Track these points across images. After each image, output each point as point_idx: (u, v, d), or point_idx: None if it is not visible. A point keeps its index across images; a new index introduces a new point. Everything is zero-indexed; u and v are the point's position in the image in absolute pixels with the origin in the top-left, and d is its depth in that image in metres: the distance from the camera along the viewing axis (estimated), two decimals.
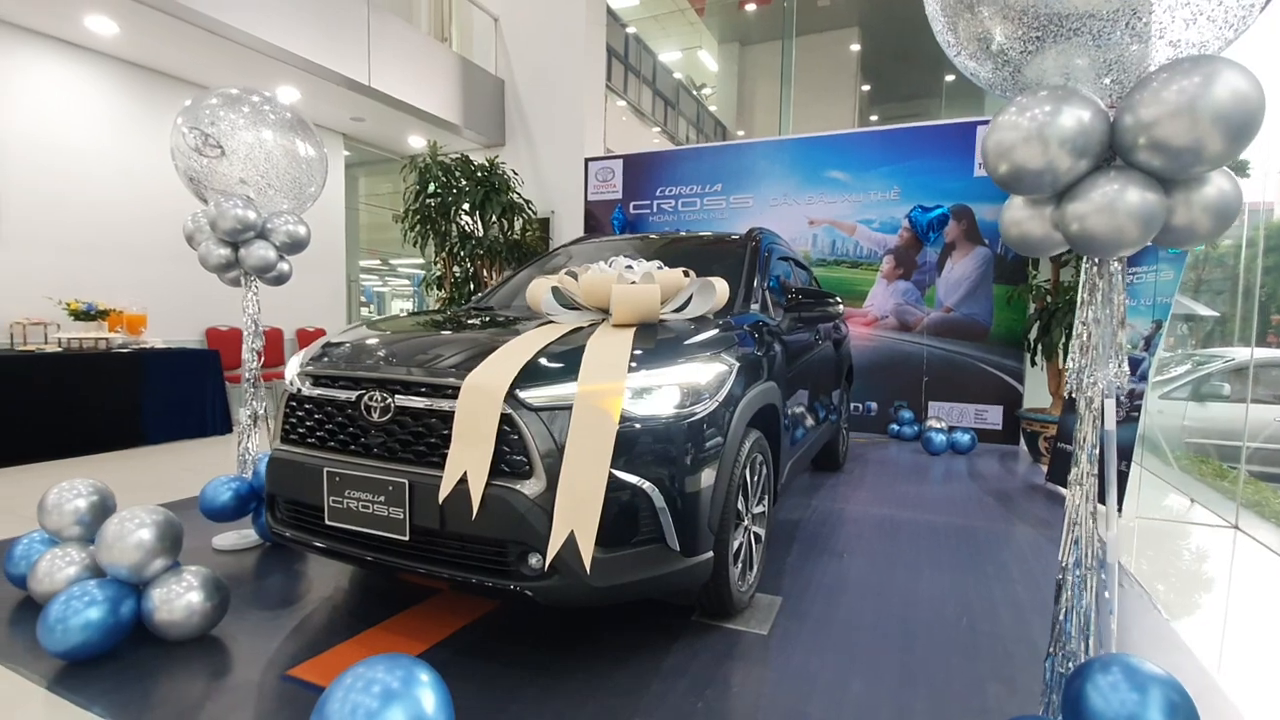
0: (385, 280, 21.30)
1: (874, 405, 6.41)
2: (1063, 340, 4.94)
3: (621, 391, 1.77)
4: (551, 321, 2.21)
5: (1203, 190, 1.21)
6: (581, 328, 2.14)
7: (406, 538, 1.81)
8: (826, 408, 3.96)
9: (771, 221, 6.68)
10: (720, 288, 2.32)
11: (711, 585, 2.09)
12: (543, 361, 1.87)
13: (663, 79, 12.92)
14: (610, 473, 1.72)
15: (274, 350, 7.23)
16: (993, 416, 5.97)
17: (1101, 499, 1.43)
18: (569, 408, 1.75)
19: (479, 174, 7.08)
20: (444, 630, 2.15)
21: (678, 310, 2.39)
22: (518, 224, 7.43)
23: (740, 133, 17.66)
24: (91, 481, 2.44)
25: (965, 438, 5.44)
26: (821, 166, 6.63)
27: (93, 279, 5.58)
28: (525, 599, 1.76)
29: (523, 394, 1.76)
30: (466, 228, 7.21)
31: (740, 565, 2.26)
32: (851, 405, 6.37)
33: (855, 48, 14.38)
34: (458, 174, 7.01)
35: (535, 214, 7.66)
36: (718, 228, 7.09)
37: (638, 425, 1.81)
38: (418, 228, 7.09)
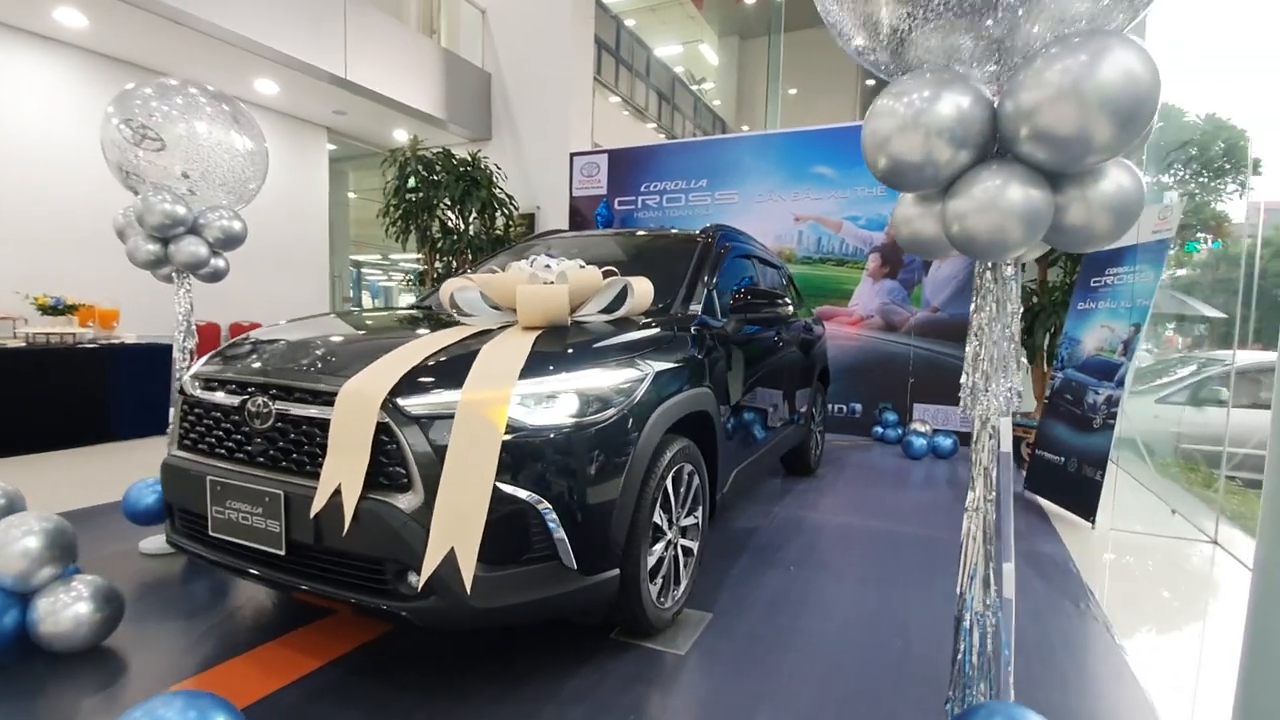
0: (389, 275, 21.38)
1: (858, 407, 6.25)
2: (1046, 342, 4.77)
3: (507, 400, 1.65)
4: (460, 324, 2.10)
5: (1099, 185, 1.08)
6: (490, 330, 2.02)
7: (283, 552, 1.71)
8: (790, 411, 3.82)
9: (757, 218, 6.54)
10: (641, 288, 2.19)
11: (622, 603, 1.97)
12: (431, 367, 1.76)
13: (659, 73, 12.75)
14: (495, 486, 1.61)
15: None
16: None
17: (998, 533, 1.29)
18: (452, 416, 1.64)
19: (461, 168, 6.98)
20: (344, 646, 2.06)
21: (607, 311, 2.28)
22: (499, 219, 7.33)
23: (745, 128, 17.46)
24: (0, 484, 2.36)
25: (947, 442, 5.28)
26: (808, 162, 6.46)
27: (65, 274, 5.55)
28: (401, 620, 1.65)
29: (402, 402, 1.66)
30: (448, 223, 7.13)
31: (661, 581, 2.14)
32: (835, 407, 6.23)
33: None
34: (438, 168, 6.91)
35: (517, 209, 7.55)
36: (701, 224, 6.95)
37: (529, 436, 1.69)
38: (399, 223, 7.02)
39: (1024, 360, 5.08)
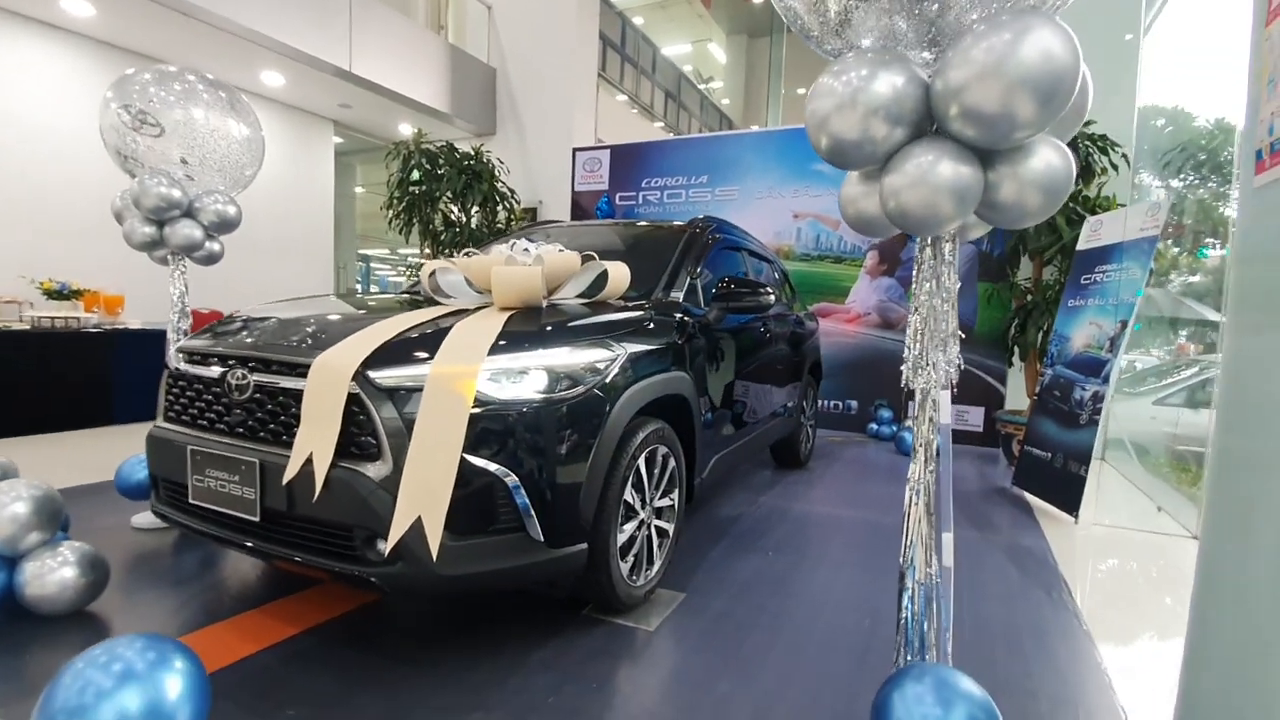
0: (397, 269, 21.53)
1: (854, 403, 6.27)
2: (1038, 340, 4.77)
3: (475, 374, 1.70)
4: (439, 304, 2.15)
5: (1028, 162, 1.11)
6: (467, 310, 2.07)
7: (257, 518, 1.77)
8: (778, 403, 3.85)
9: (756, 214, 6.56)
10: (617, 273, 2.24)
11: (590, 578, 2.01)
12: (403, 342, 1.81)
13: (665, 71, 12.78)
14: (463, 458, 1.66)
15: None
16: (974, 418, 5.81)
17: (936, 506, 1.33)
18: (421, 389, 1.69)
19: (463, 162, 7.04)
20: (321, 616, 2.11)
21: (585, 295, 2.32)
22: (501, 213, 7.39)
23: (754, 126, 17.48)
24: None
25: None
26: (808, 159, 6.47)
27: (72, 260, 5.65)
28: (370, 586, 1.70)
29: (373, 374, 1.71)
30: (450, 216, 7.19)
31: (633, 560, 2.18)
32: (830, 403, 6.25)
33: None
34: (441, 161, 6.98)
35: (519, 203, 7.61)
36: None
37: (497, 410, 1.74)
38: (402, 215, 7.09)
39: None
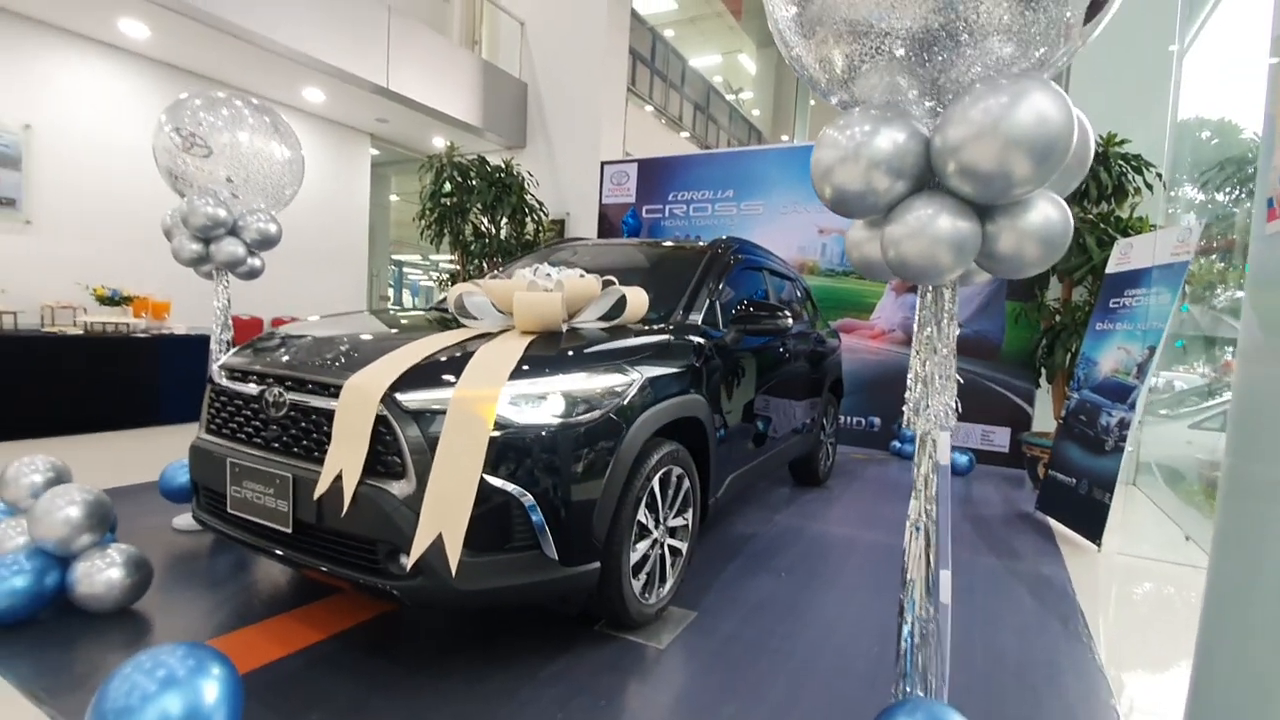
0: (429, 274, 21.98)
1: (877, 420, 6.24)
2: (1066, 361, 4.70)
3: (496, 398, 1.78)
4: (464, 327, 2.25)
5: (1026, 216, 1.15)
6: (490, 333, 2.16)
7: (289, 530, 1.87)
8: (796, 421, 3.88)
9: (782, 230, 6.60)
10: (636, 298, 2.30)
11: (602, 596, 2.08)
12: (429, 366, 1.90)
13: (694, 83, 12.87)
14: (482, 478, 1.74)
15: None
16: (999, 439, 5.73)
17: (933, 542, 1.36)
18: (444, 412, 1.77)
19: (494, 175, 7.21)
20: (345, 623, 2.21)
21: (605, 319, 2.40)
22: (529, 225, 7.53)
23: (784, 138, 17.46)
24: (50, 459, 2.60)
25: (963, 459, 5.23)
26: None
27: (126, 267, 5.94)
28: (392, 598, 1.79)
29: (400, 396, 1.80)
30: (480, 227, 7.36)
31: (645, 578, 2.24)
32: (853, 420, 6.23)
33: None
34: (473, 174, 7.15)
35: (547, 215, 7.75)
36: (726, 234, 7.03)
37: (517, 433, 1.82)
38: (434, 225, 7.28)
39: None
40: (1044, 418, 5.49)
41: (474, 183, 7.13)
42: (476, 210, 7.22)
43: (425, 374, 1.87)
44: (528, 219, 7.46)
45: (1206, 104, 5.73)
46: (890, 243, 1.18)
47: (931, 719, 1.17)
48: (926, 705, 1.20)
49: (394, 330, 2.37)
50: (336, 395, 1.84)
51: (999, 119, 1.04)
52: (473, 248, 7.31)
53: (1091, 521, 3.55)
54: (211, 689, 1.17)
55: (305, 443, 1.91)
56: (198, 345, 5.74)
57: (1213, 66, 5.65)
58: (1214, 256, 5.52)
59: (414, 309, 3.49)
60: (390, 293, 12.62)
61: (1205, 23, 5.45)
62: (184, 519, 3.06)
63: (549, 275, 2.31)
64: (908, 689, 1.36)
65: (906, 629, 1.37)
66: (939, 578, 1.32)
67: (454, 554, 1.71)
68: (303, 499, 1.84)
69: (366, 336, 2.23)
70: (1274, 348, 1.19)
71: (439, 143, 8.64)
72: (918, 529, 1.33)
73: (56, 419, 4.84)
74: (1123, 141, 4.81)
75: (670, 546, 2.39)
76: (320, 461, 1.85)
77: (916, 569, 1.33)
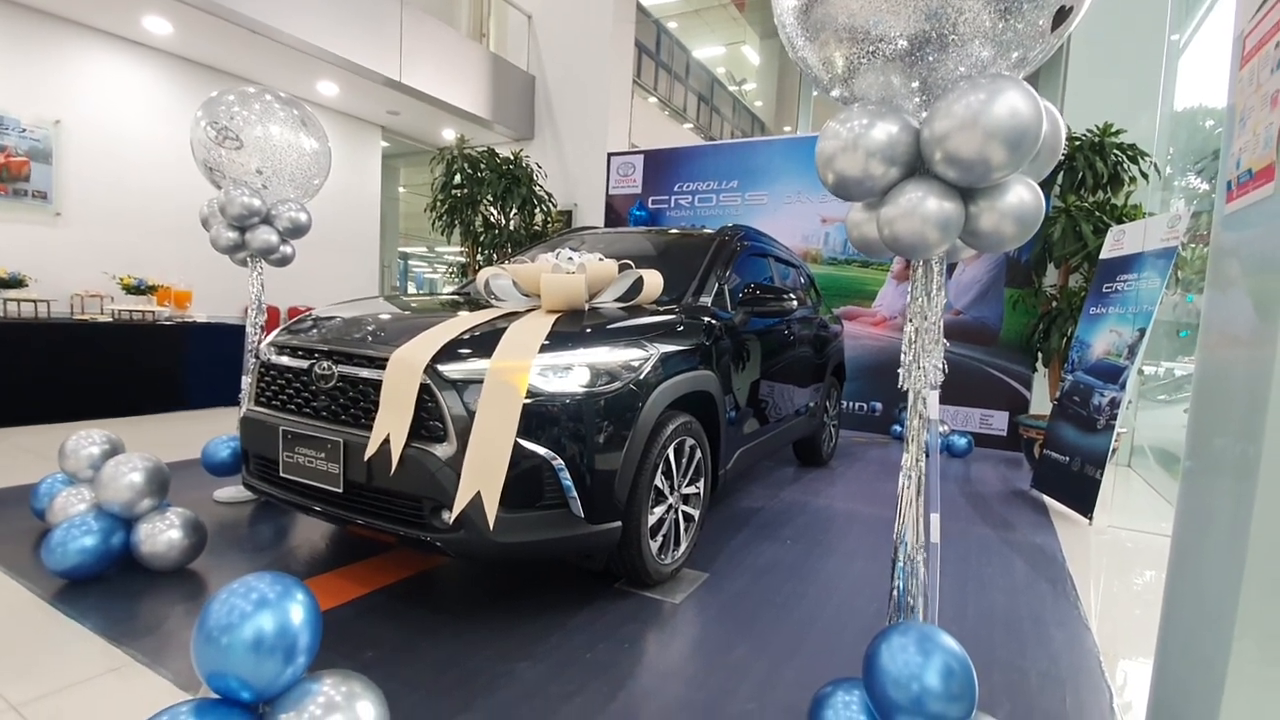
0: (433, 266, 22.14)
1: (879, 405, 6.40)
2: (1062, 345, 4.86)
3: (528, 369, 1.96)
4: (493, 307, 2.42)
5: (1004, 198, 1.31)
6: (518, 312, 2.34)
7: (340, 490, 2.06)
8: (800, 402, 4.05)
9: (785, 219, 6.74)
10: (651, 280, 2.48)
11: (623, 553, 2.26)
12: (466, 340, 2.08)
13: (698, 75, 12.97)
14: (516, 441, 1.92)
15: None
16: (998, 422, 5.90)
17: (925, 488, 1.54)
18: (481, 381, 1.95)
19: (503, 166, 7.37)
20: (388, 578, 2.40)
21: (622, 299, 2.57)
22: (538, 215, 7.69)
23: (787, 129, 17.53)
24: (105, 433, 2.79)
25: (962, 441, 5.41)
26: None
27: (147, 257, 6.12)
28: (436, 549, 1.97)
29: (441, 367, 1.98)
30: (490, 218, 7.53)
31: (661, 540, 2.42)
32: (855, 405, 6.40)
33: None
34: (483, 166, 7.31)
35: (555, 206, 7.90)
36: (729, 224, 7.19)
37: (546, 401, 2.00)
38: (444, 217, 7.44)
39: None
40: (1041, 401, 5.65)
41: (484, 174, 7.28)
42: (487, 202, 7.38)
43: (463, 347, 2.05)
44: (537, 210, 7.62)
45: (1210, 95, 5.84)
46: (885, 222, 1.35)
47: (923, 637, 1.35)
48: (918, 626, 1.38)
49: (426, 311, 2.55)
50: (383, 367, 2.02)
51: (979, 113, 1.21)
52: (483, 238, 7.48)
53: (1083, 496, 3.72)
54: (297, 611, 1.34)
55: (354, 410, 2.09)
56: (220, 333, 5.94)
57: (1216, 57, 5.76)
58: (1207, 246, 5.66)
59: (431, 294, 3.68)
60: (397, 284, 12.80)
61: (1208, 15, 5.56)
62: (224, 492, 3.25)
63: (571, 259, 2.48)
64: (899, 617, 1.54)
65: (899, 565, 1.54)
66: (929, 520, 1.49)
67: (491, 510, 1.89)
68: (353, 461, 2.03)
69: (403, 316, 2.40)
70: (1233, 325, 1.24)
71: (448, 135, 8.80)
72: (910, 476, 1.50)
73: (90, 403, 5.04)
74: (1119, 131, 4.94)
75: (684, 512, 2.57)
76: (367, 428, 2.03)
77: (909, 512, 1.51)
